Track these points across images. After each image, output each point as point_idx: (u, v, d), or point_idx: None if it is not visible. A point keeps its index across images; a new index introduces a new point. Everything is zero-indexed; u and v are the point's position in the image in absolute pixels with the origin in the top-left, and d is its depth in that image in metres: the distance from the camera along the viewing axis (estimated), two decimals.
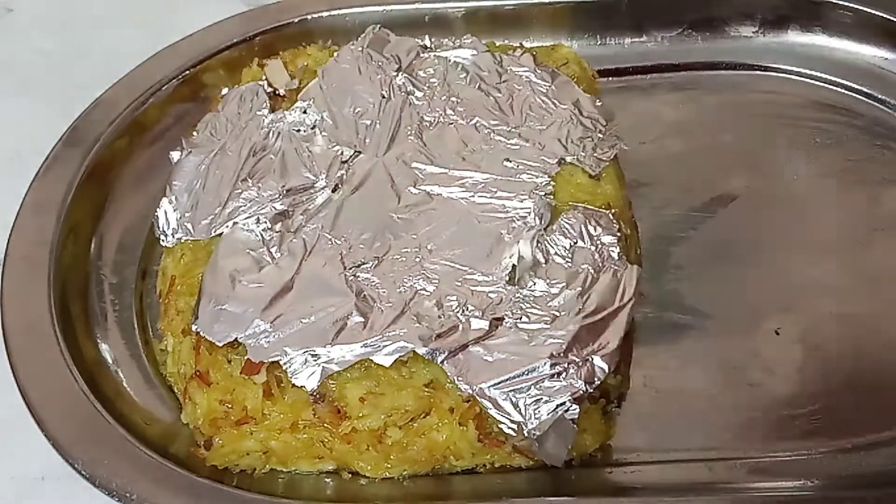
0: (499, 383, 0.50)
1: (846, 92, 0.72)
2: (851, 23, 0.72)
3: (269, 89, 0.66)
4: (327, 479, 0.54)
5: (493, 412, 0.49)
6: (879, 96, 0.71)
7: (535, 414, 0.49)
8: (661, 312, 0.61)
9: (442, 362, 0.51)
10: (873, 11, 0.71)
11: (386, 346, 0.51)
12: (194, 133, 0.65)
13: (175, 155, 0.64)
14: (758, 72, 0.74)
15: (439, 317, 0.52)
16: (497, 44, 0.70)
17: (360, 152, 0.61)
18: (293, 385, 0.51)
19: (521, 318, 0.52)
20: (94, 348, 0.60)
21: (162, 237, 0.60)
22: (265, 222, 0.58)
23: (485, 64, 0.65)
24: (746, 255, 0.63)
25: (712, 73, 0.74)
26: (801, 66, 0.73)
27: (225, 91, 0.69)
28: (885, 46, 0.72)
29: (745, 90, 0.73)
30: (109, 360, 0.59)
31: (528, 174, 0.59)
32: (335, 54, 0.68)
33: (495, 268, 0.54)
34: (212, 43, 0.72)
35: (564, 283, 0.53)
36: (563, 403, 0.49)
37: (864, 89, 0.72)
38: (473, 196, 0.58)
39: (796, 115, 0.71)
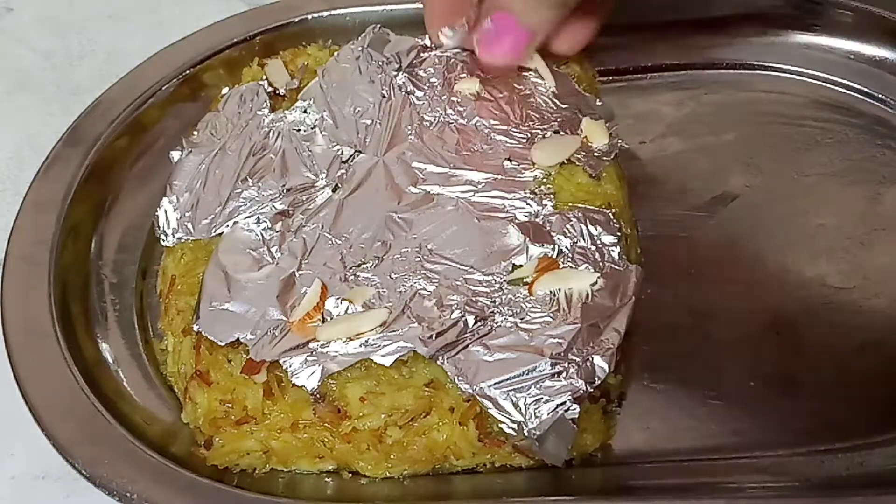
0: (499, 383, 0.50)
1: (846, 91, 0.72)
2: (851, 23, 0.72)
3: (270, 89, 0.67)
4: (327, 479, 0.54)
5: (493, 412, 0.49)
6: (879, 96, 0.71)
7: (535, 413, 0.49)
8: (662, 312, 0.61)
9: (442, 362, 0.51)
10: (873, 11, 0.71)
11: (386, 345, 0.51)
12: (194, 133, 0.65)
13: (175, 155, 0.64)
14: (758, 71, 0.74)
15: (439, 316, 0.52)
16: None
17: (360, 152, 0.61)
18: (293, 385, 0.51)
19: (521, 318, 0.52)
20: (94, 348, 0.60)
21: (162, 237, 0.60)
22: (265, 222, 0.58)
23: None
24: (746, 255, 0.63)
25: (713, 72, 0.74)
26: (801, 66, 0.73)
27: (225, 91, 0.69)
28: (885, 46, 0.72)
29: (746, 89, 0.73)
30: (109, 360, 0.59)
31: (528, 173, 0.59)
32: (335, 54, 0.68)
33: (496, 267, 0.55)
34: (212, 43, 0.72)
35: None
36: (564, 403, 0.49)
37: (865, 89, 0.72)
38: (474, 195, 0.58)
39: (796, 114, 0.71)
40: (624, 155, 0.62)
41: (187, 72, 0.71)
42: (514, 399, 0.49)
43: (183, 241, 0.59)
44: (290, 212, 0.58)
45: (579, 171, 0.60)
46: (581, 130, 0.61)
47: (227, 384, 0.52)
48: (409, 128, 0.62)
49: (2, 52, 0.82)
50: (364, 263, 0.55)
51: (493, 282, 0.54)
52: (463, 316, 0.52)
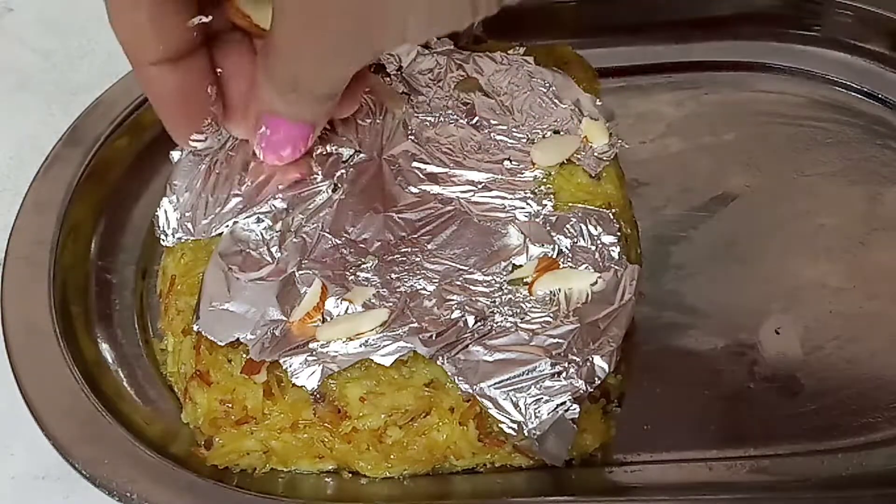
0: (499, 383, 0.50)
1: (846, 91, 0.72)
2: (851, 22, 0.72)
3: None
4: (327, 479, 0.54)
5: (493, 412, 0.49)
6: (880, 95, 0.71)
7: (535, 413, 0.49)
8: (661, 312, 0.61)
9: (442, 362, 0.51)
10: (873, 11, 0.71)
11: (386, 345, 0.51)
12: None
13: (175, 154, 0.63)
14: (758, 71, 0.74)
15: (439, 317, 0.52)
16: (497, 43, 0.70)
17: (360, 152, 0.61)
18: (293, 385, 0.51)
19: (521, 318, 0.52)
20: (94, 348, 0.60)
21: (162, 237, 0.60)
22: (265, 221, 0.58)
23: (485, 64, 0.66)
24: (746, 255, 0.63)
25: (712, 72, 0.74)
26: (801, 66, 0.73)
27: None
28: (885, 46, 0.72)
29: (746, 89, 0.73)
30: (109, 360, 0.59)
31: (528, 173, 0.59)
32: None
33: (496, 267, 0.55)
34: None
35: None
36: (564, 403, 0.49)
37: (865, 88, 0.72)
38: (474, 195, 0.58)
39: (796, 114, 0.71)
40: (624, 155, 0.62)
41: None
42: (514, 399, 0.49)
43: (183, 241, 0.59)
44: (290, 211, 0.58)
45: (579, 171, 0.60)
46: (581, 130, 0.61)
47: (227, 384, 0.52)
48: (409, 128, 0.62)
49: (2, 52, 0.82)
50: (364, 263, 0.55)
51: (493, 282, 0.54)
52: (463, 316, 0.52)
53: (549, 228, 0.56)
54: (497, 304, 0.53)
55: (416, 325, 0.52)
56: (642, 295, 0.56)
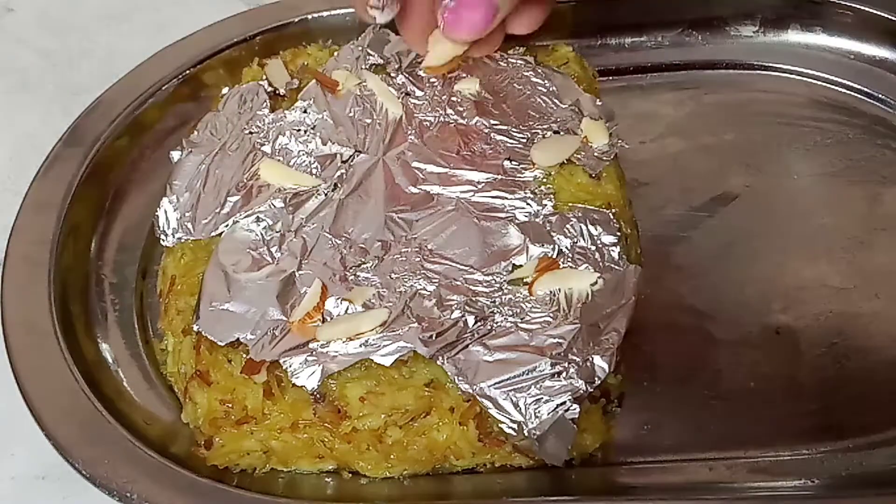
0: (499, 383, 0.50)
1: (846, 91, 0.72)
2: (851, 22, 0.72)
3: (270, 89, 0.66)
4: (327, 479, 0.54)
5: (493, 412, 0.49)
6: (879, 96, 0.71)
7: (535, 413, 0.49)
8: (661, 312, 0.61)
9: (442, 362, 0.51)
10: (873, 11, 0.71)
11: (386, 345, 0.51)
12: (194, 133, 0.65)
13: (175, 155, 0.64)
14: (758, 71, 0.74)
15: (439, 316, 0.52)
16: None
17: (360, 152, 0.61)
18: (293, 385, 0.51)
19: (521, 318, 0.52)
20: (94, 348, 0.60)
21: (162, 237, 0.60)
22: (265, 221, 0.58)
23: (485, 64, 0.66)
24: (746, 255, 0.63)
25: (712, 72, 0.74)
26: (801, 66, 0.73)
27: (225, 91, 0.69)
28: (885, 46, 0.72)
29: (746, 89, 0.73)
30: (109, 360, 0.59)
31: (528, 173, 0.59)
32: (335, 54, 0.68)
33: (496, 267, 0.55)
34: (212, 43, 0.72)
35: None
36: (564, 403, 0.49)
37: (865, 89, 0.72)
38: (474, 195, 0.58)
39: (796, 114, 0.71)
40: (624, 155, 0.62)
41: (187, 72, 0.71)
42: (514, 399, 0.49)
43: (183, 241, 0.59)
44: (290, 211, 0.58)
45: (579, 171, 0.60)
46: (581, 130, 0.61)
47: (227, 384, 0.52)
48: (409, 128, 0.62)
49: (2, 52, 0.82)
50: (364, 263, 0.55)
51: (493, 282, 0.54)
52: (463, 316, 0.52)
53: (549, 228, 0.56)
54: (497, 304, 0.53)
55: (416, 325, 0.52)
56: (642, 295, 0.56)
